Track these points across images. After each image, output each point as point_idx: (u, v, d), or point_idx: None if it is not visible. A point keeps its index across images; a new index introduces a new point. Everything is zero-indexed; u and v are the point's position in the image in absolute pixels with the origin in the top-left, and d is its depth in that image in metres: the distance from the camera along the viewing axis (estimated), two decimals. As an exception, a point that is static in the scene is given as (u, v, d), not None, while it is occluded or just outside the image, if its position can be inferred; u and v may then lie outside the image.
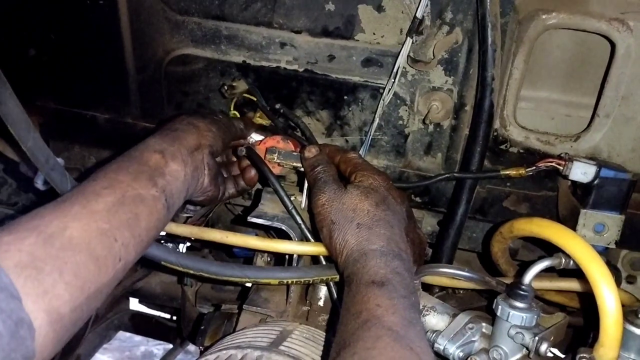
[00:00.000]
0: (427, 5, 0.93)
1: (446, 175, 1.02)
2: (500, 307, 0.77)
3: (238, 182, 1.00)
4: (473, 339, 0.82)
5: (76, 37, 1.15)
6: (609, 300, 0.67)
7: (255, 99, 1.09)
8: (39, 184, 1.18)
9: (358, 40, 1.01)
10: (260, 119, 1.10)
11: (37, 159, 0.70)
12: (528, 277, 0.77)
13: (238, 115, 1.10)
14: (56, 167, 0.74)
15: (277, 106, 1.09)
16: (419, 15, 0.93)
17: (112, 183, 0.70)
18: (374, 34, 1.00)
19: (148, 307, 1.69)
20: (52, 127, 1.29)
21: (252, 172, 0.99)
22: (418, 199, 1.13)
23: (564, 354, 0.77)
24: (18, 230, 0.59)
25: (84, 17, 1.11)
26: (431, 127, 1.06)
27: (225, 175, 0.98)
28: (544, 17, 0.89)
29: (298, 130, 1.11)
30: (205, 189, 0.88)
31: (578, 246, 0.71)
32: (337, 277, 0.83)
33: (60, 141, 1.32)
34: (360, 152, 1.09)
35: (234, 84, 1.08)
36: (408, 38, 0.95)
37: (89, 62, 1.18)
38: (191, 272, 0.83)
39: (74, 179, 0.78)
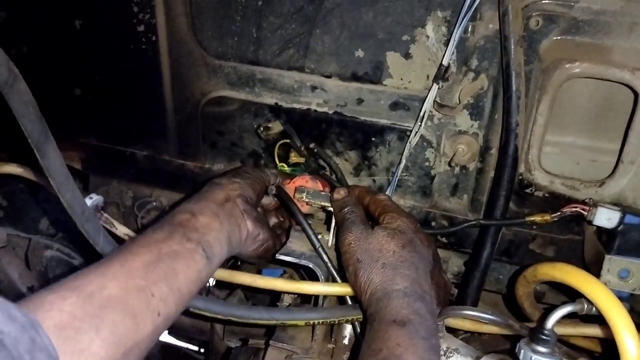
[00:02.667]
0: (453, 53, 0.96)
1: (472, 222, 1.04)
2: (522, 351, 0.78)
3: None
4: (496, 382, 0.82)
5: (119, 78, 1.22)
6: (630, 347, 0.67)
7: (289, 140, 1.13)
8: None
9: (386, 85, 1.05)
10: (294, 158, 1.14)
11: (73, 211, 0.73)
12: (551, 322, 0.78)
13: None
14: (90, 219, 0.77)
15: (311, 145, 1.13)
16: (445, 62, 0.96)
17: (149, 242, 0.75)
18: (401, 79, 1.04)
19: (177, 339, 1.72)
20: (93, 163, 1.36)
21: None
22: (444, 240, 1.14)
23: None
24: (60, 289, 0.63)
25: (128, 60, 1.18)
26: (457, 170, 1.08)
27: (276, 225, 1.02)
28: (567, 66, 0.92)
29: (328, 170, 1.14)
30: (253, 234, 0.91)
31: (600, 293, 0.72)
32: (362, 317, 0.85)
33: (100, 176, 1.38)
34: (387, 192, 1.12)
35: (269, 125, 1.13)
36: (434, 84, 0.98)
37: (130, 102, 1.25)
38: (219, 317, 0.86)
39: (107, 232, 0.82)
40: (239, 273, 0.92)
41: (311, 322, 0.86)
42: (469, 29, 0.95)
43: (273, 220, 1.02)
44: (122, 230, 0.97)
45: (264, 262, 0.98)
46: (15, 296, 1.33)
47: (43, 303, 0.61)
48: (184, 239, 0.77)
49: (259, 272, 1.16)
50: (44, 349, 0.55)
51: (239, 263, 1.18)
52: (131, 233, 0.98)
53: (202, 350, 1.73)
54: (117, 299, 0.65)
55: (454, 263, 1.18)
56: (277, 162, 1.15)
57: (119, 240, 0.93)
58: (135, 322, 0.66)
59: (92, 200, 0.91)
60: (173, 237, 0.77)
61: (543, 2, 0.90)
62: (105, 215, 0.93)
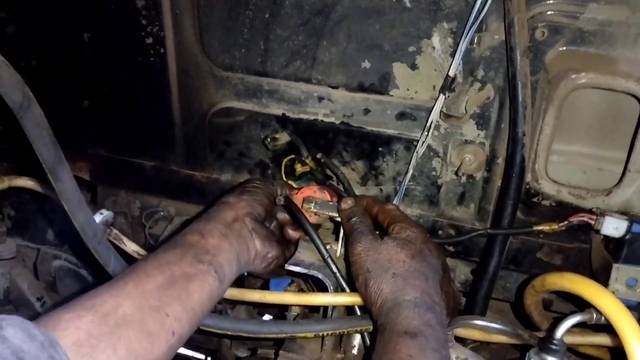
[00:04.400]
0: (459, 64, 0.97)
1: (480, 232, 1.05)
2: (532, 361, 0.78)
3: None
4: (505, 391, 0.82)
5: (127, 90, 1.23)
6: (639, 355, 0.68)
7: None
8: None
9: (392, 96, 1.06)
10: (300, 168, 1.14)
11: (85, 234, 0.74)
12: (560, 332, 0.78)
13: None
14: (102, 241, 0.79)
15: (319, 156, 1.14)
16: (451, 73, 0.97)
17: (161, 263, 0.76)
18: (407, 89, 1.04)
19: (184, 347, 1.72)
20: (101, 174, 1.37)
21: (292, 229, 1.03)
22: (452, 249, 1.15)
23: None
24: (76, 308, 0.64)
25: (136, 72, 1.19)
26: (464, 179, 1.09)
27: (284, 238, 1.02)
28: (573, 76, 0.92)
29: (335, 179, 1.15)
30: (262, 253, 0.92)
31: (609, 303, 0.72)
32: (371, 327, 0.85)
33: (108, 187, 1.39)
34: (395, 201, 1.12)
35: (276, 136, 1.14)
36: (441, 94, 0.99)
37: (138, 113, 1.26)
38: (229, 333, 0.86)
39: (117, 254, 0.84)
40: (249, 291, 0.92)
41: (321, 333, 0.86)
42: (475, 40, 0.96)
43: (290, 234, 1.03)
44: (131, 247, 0.98)
45: (274, 275, 0.99)
46: (25, 306, 1.34)
47: (60, 321, 0.62)
48: (196, 261, 0.78)
49: (267, 281, 1.16)
50: None
51: (246, 274, 1.19)
52: (140, 250, 0.99)
53: (209, 359, 1.73)
54: (132, 318, 0.66)
55: (462, 271, 1.18)
56: (284, 177, 1.16)
57: (127, 257, 0.94)
58: (150, 341, 0.67)
59: (103, 215, 0.92)
60: (185, 258, 0.78)
61: (548, 13, 0.91)
62: (115, 231, 0.94)
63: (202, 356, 1.79)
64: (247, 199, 0.94)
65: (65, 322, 0.62)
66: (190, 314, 0.74)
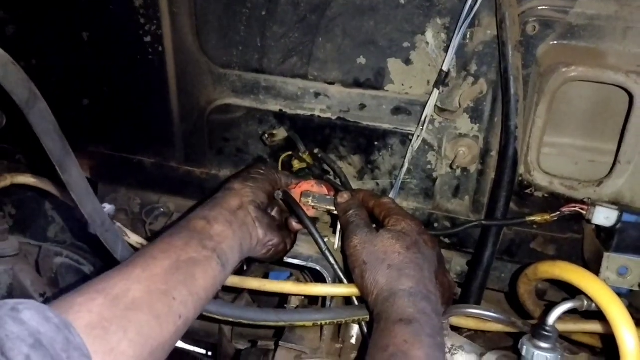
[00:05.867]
0: (452, 59, 0.99)
1: (474, 223, 1.07)
2: (525, 347, 0.80)
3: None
4: (500, 378, 0.85)
5: (126, 88, 1.25)
6: (629, 341, 0.70)
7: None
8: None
9: (388, 91, 1.08)
10: (298, 164, 1.16)
11: (94, 222, 0.77)
12: (552, 319, 0.81)
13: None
14: (110, 229, 0.81)
15: (316, 151, 1.16)
16: (445, 68, 0.99)
17: (168, 248, 0.78)
18: (402, 84, 1.06)
19: (185, 342, 1.74)
20: (102, 171, 1.39)
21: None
22: (447, 240, 1.17)
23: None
24: (88, 292, 0.67)
25: (135, 71, 1.21)
26: (458, 172, 1.11)
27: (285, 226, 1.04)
28: (564, 70, 0.94)
29: (332, 174, 1.17)
30: (264, 241, 0.94)
31: (599, 290, 0.74)
32: (368, 317, 0.87)
33: (109, 184, 1.41)
34: (391, 195, 1.14)
35: (274, 132, 1.16)
36: (435, 89, 1.01)
37: (138, 111, 1.28)
38: (230, 319, 0.89)
39: (125, 241, 0.86)
40: (249, 279, 0.95)
41: (319, 322, 0.89)
42: (468, 35, 0.97)
43: (293, 225, 1.04)
44: (134, 238, 1.00)
45: (274, 260, 1.01)
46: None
47: (72, 305, 0.64)
48: (200, 247, 0.80)
49: (266, 275, 1.18)
50: (78, 348, 0.58)
51: (246, 265, 1.21)
52: (143, 241, 1.01)
53: (210, 353, 1.75)
54: (141, 301, 0.69)
55: (457, 263, 1.20)
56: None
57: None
58: (159, 323, 0.69)
59: (104, 209, 0.94)
60: (190, 244, 0.80)
61: (539, 8, 0.93)
62: (118, 224, 0.96)
63: (204, 350, 1.81)
64: (252, 185, 0.96)
65: (77, 305, 0.64)
66: (196, 298, 0.76)
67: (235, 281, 0.94)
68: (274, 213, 1.04)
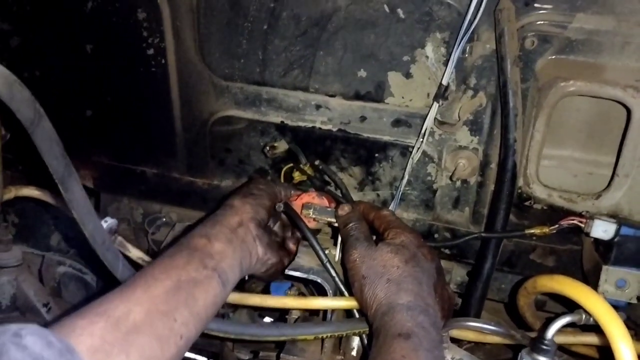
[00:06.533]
0: (452, 72, 1.00)
1: (474, 235, 1.08)
2: (524, 360, 0.81)
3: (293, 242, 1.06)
4: (499, 390, 0.85)
5: (129, 100, 1.26)
6: (625, 354, 0.71)
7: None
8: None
9: (388, 103, 1.09)
10: (299, 176, 1.17)
11: (95, 241, 0.77)
12: (550, 332, 0.81)
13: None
14: (111, 248, 0.82)
15: (317, 162, 1.17)
16: (444, 81, 1.00)
17: (168, 268, 0.78)
18: (402, 97, 1.07)
19: (188, 350, 1.74)
20: (104, 181, 1.40)
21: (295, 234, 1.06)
22: (447, 251, 1.18)
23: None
24: (89, 314, 0.67)
25: (138, 83, 1.22)
26: (458, 183, 1.11)
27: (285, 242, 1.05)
28: (562, 84, 0.95)
29: (333, 185, 1.18)
30: (263, 259, 0.95)
31: (596, 304, 0.75)
32: (369, 329, 0.88)
33: (111, 194, 1.42)
34: (391, 206, 1.15)
35: (275, 144, 1.17)
36: (435, 102, 1.02)
37: (141, 122, 1.29)
38: (232, 336, 0.90)
39: (125, 260, 0.87)
40: (250, 295, 0.95)
41: (320, 336, 0.89)
42: (467, 49, 0.98)
43: (290, 247, 1.05)
44: (135, 253, 1.00)
45: (273, 278, 1.02)
46: (31, 312, 1.37)
47: (74, 328, 0.64)
48: (201, 266, 0.81)
49: (268, 285, 1.19)
50: None
51: (246, 278, 1.22)
52: (145, 257, 1.02)
53: (211, 362, 1.75)
54: (143, 323, 0.69)
55: (457, 273, 1.21)
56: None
57: (132, 263, 0.96)
58: (161, 345, 0.70)
59: (107, 223, 0.94)
60: (191, 263, 0.80)
61: (538, 23, 0.94)
62: (120, 238, 0.96)
63: (205, 359, 1.82)
64: (252, 203, 0.97)
65: (79, 329, 0.64)
66: (197, 319, 0.77)
67: (236, 298, 0.94)
68: (275, 227, 1.05)
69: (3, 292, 1.32)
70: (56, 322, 0.65)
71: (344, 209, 0.99)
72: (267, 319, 1.31)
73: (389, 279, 0.83)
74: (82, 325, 0.65)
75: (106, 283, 1.51)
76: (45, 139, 0.62)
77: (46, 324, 0.63)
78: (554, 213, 1.05)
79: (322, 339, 0.95)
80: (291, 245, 1.05)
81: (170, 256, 0.81)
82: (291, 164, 1.17)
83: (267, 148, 1.17)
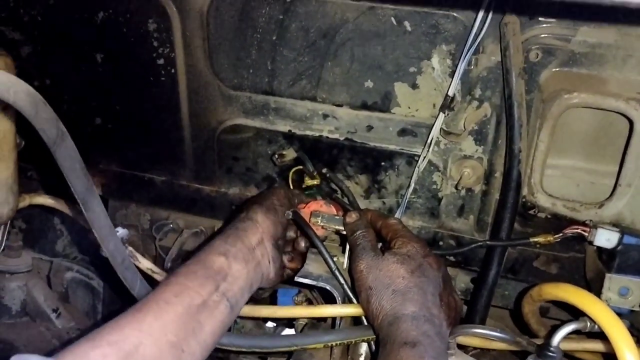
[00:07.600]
0: (458, 84, 1.02)
1: (479, 244, 1.09)
2: (530, 367, 0.83)
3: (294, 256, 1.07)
4: (505, 396, 0.87)
5: (139, 108, 1.28)
6: (630, 360, 0.73)
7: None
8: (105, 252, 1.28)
9: (394, 113, 1.10)
10: (309, 182, 1.18)
11: (115, 260, 0.78)
12: (556, 340, 0.83)
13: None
14: (129, 267, 0.83)
15: (324, 170, 1.19)
16: (450, 92, 1.02)
17: (182, 290, 0.79)
18: (409, 107, 1.09)
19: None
20: (113, 188, 1.41)
21: (302, 243, 1.07)
22: (452, 259, 1.20)
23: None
24: (101, 344, 0.68)
25: (147, 92, 1.24)
26: (463, 192, 1.13)
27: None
28: (566, 96, 0.97)
29: (340, 193, 1.20)
30: (271, 281, 0.97)
31: (601, 312, 0.77)
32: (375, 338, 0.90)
33: (119, 200, 1.43)
34: (397, 213, 1.17)
35: (283, 152, 1.19)
36: (441, 112, 1.04)
37: (150, 130, 1.30)
38: (243, 350, 0.91)
39: (143, 278, 0.88)
40: (260, 307, 0.97)
41: (330, 344, 0.91)
42: (473, 61, 1.00)
43: (302, 245, 1.07)
44: (145, 264, 1.01)
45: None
46: (41, 317, 1.38)
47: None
48: (214, 289, 0.82)
49: (275, 292, 1.20)
50: None
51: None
52: (154, 268, 1.02)
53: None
54: (152, 357, 0.70)
55: (462, 280, 1.23)
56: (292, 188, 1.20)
57: (141, 274, 0.97)
58: None
59: (118, 233, 0.96)
60: (205, 285, 0.81)
61: (542, 36, 0.96)
62: (130, 249, 0.97)
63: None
64: (273, 219, 0.98)
65: None
66: (203, 346, 0.78)
67: (246, 310, 0.95)
68: (288, 237, 1.06)
69: (13, 298, 1.34)
70: (67, 349, 0.66)
71: (352, 217, 1.01)
72: (271, 324, 1.32)
73: (395, 289, 0.85)
74: (93, 357, 0.66)
75: (112, 289, 1.52)
76: (67, 158, 0.63)
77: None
78: (557, 222, 1.07)
79: (331, 347, 0.97)
80: (288, 264, 1.05)
81: (185, 275, 0.82)
82: (298, 167, 1.19)
83: (276, 156, 1.19)
